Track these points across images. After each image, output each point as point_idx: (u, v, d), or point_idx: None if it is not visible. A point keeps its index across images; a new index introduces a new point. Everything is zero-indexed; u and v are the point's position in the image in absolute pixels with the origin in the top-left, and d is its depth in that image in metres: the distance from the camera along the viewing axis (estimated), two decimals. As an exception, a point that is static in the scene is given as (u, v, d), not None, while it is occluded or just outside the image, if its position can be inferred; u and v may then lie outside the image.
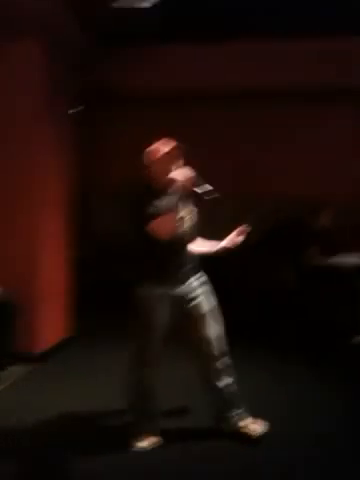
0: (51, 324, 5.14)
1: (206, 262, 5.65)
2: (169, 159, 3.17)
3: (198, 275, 3.39)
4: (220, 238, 3.43)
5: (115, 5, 4.61)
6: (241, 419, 3.39)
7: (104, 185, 7.07)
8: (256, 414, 3.47)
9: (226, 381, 3.37)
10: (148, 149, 3.23)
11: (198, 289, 3.35)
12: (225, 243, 3.38)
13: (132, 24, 5.23)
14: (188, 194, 3.18)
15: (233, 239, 3.37)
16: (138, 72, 6.18)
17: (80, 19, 5.01)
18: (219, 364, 3.36)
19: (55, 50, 4.91)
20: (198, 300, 3.33)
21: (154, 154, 3.20)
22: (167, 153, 3.18)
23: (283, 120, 6.62)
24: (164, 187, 3.15)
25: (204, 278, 3.42)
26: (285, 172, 6.60)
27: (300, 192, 6.33)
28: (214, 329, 3.35)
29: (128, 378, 3.36)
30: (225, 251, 3.37)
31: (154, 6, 4.74)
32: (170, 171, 3.13)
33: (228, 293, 5.87)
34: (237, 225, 3.41)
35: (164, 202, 3.04)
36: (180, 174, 3.10)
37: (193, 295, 3.32)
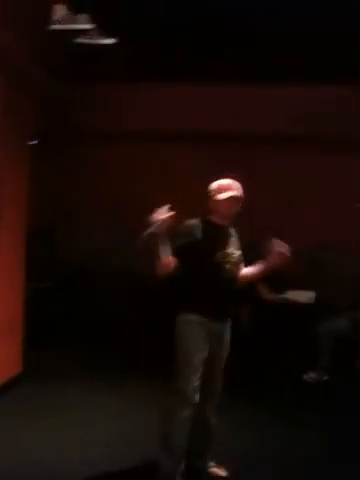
0: (3, 359, 5.02)
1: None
2: (233, 203, 3.30)
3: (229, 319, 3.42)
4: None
5: (77, 40, 4.62)
6: (212, 460, 3.46)
7: (71, 218, 7.04)
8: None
9: (215, 421, 3.44)
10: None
11: (228, 331, 3.38)
12: (266, 263, 3.41)
13: (95, 61, 5.26)
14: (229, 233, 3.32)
15: (274, 258, 3.39)
16: (98, 110, 6.24)
17: (41, 55, 5.03)
18: (216, 404, 3.42)
19: (14, 84, 4.90)
20: (226, 341, 3.37)
21: (225, 192, 3.28)
22: (236, 199, 3.29)
23: (238, 161, 6.72)
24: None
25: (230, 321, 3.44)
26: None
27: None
28: (218, 376, 3.39)
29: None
30: (268, 270, 3.43)
31: (118, 44, 4.77)
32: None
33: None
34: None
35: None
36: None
37: (225, 335, 3.35)
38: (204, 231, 3.19)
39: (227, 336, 3.37)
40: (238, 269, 3.36)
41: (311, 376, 5.52)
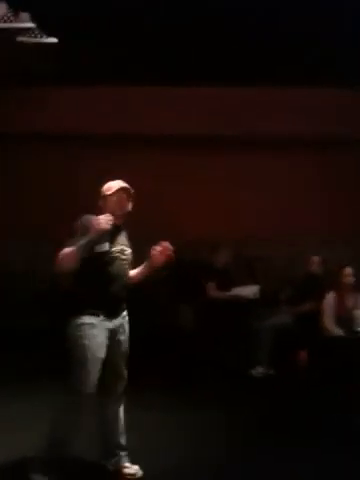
0: None
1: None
2: (121, 197, 3.29)
3: (125, 312, 3.41)
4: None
5: (19, 39, 4.55)
6: (124, 460, 3.39)
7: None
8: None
9: (123, 421, 3.41)
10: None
11: (126, 325, 3.37)
12: (148, 264, 3.41)
13: (29, 63, 5.19)
14: (121, 231, 3.32)
15: (156, 258, 3.36)
16: (28, 111, 6.17)
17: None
18: (122, 404, 3.41)
19: None
20: (125, 336, 3.35)
21: (110, 188, 3.31)
22: (122, 190, 3.29)
23: (179, 164, 6.78)
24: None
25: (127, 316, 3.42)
26: (184, 214, 6.77)
27: (198, 232, 6.53)
28: (125, 369, 3.37)
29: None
30: (152, 271, 3.42)
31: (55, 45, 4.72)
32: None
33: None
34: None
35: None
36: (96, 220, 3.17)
37: (121, 333, 3.32)
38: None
39: (124, 333, 3.35)
40: (129, 267, 3.39)
41: (259, 371, 5.63)
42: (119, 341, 3.32)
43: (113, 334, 3.27)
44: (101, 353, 3.18)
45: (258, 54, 5.18)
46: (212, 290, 6.05)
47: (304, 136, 6.57)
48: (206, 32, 4.66)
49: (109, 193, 3.28)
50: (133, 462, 3.39)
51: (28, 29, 4.22)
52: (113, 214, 3.19)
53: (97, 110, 6.43)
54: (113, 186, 3.29)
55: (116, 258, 3.26)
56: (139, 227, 6.44)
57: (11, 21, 4.12)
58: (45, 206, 6.63)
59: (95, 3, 4.36)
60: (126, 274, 3.35)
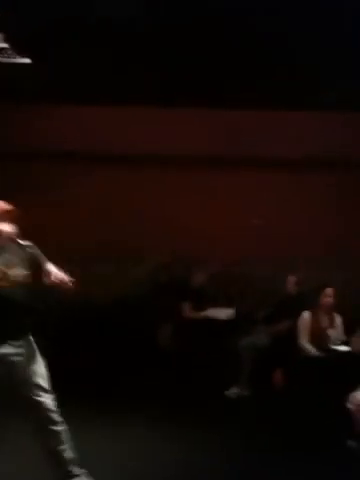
0: None
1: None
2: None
3: (25, 337, 3.22)
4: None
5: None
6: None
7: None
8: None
9: (63, 446, 3.25)
10: None
11: (23, 350, 3.18)
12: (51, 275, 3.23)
13: (7, 81, 5.22)
14: (16, 249, 3.16)
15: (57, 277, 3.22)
16: (22, 129, 6.20)
17: None
18: (55, 428, 3.23)
19: None
20: (22, 363, 3.17)
21: None
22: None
23: (165, 183, 6.82)
24: None
25: (30, 340, 3.26)
26: (160, 234, 6.76)
27: (178, 252, 6.54)
28: (40, 394, 3.20)
29: None
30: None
31: (39, 64, 4.75)
32: None
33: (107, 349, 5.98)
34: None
35: None
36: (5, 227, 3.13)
37: (16, 357, 3.15)
38: None
39: (22, 357, 3.17)
40: (21, 288, 3.15)
41: (233, 391, 5.59)
42: (15, 367, 3.15)
43: (6, 361, 3.12)
44: None
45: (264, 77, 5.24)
46: (187, 310, 6.05)
47: (309, 157, 6.65)
48: (200, 51, 4.65)
49: None
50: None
51: (1, 49, 4.26)
52: None
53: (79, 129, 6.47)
54: None
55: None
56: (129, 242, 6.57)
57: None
58: None
59: (71, 23, 4.38)
60: (15, 297, 3.12)
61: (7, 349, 3.13)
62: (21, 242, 3.14)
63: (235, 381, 5.61)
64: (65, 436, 3.25)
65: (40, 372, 3.22)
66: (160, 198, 6.77)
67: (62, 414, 3.23)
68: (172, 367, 5.75)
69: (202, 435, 4.48)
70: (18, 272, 3.15)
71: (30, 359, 3.20)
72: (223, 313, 6.06)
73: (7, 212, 3.17)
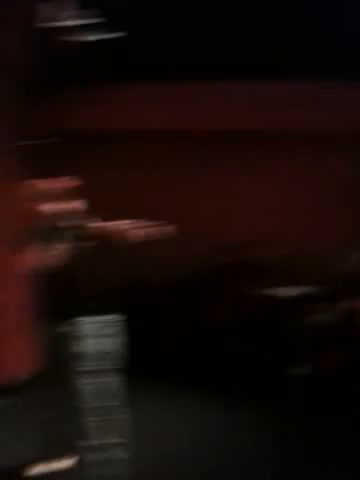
0: (21, 357, 4.98)
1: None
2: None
3: (91, 318, 3.11)
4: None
5: (67, 37, 4.61)
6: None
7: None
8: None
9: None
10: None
11: (88, 331, 3.09)
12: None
13: (83, 59, 5.26)
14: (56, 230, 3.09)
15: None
16: (90, 109, 6.19)
17: (31, 52, 5.02)
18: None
19: (4, 82, 4.90)
20: (84, 343, 3.08)
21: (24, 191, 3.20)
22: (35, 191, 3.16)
23: (223, 162, 6.82)
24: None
25: (104, 320, 3.14)
26: (225, 212, 6.80)
27: (239, 230, 6.56)
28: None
29: None
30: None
31: (102, 42, 4.78)
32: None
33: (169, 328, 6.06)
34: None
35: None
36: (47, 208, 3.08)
37: (76, 336, 3.07)
38: None
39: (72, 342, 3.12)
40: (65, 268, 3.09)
41: (296, 370, 5.66)
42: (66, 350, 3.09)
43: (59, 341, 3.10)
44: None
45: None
46: (248, 289, 6.10)
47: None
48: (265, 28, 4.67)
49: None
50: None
51: (93, 25, 4.29)
52: None
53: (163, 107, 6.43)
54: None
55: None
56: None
57: (77, 18, 4.21)
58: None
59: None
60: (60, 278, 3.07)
61: (66, 327, 3.06)
62: (66, 220, 3.07)
63: (298, 360, 5.70)
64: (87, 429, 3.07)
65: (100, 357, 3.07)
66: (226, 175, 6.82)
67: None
68: (234, 345, 5.83)
69: (265, 414, 4.54)
70: (64, 249, 3.07)
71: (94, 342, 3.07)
72: (285, 291, 6.10)
73: (65, 190, 3.14)
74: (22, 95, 5.26)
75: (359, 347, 5.45)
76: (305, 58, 5.44)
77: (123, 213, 3.16)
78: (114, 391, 3.06)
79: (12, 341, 4.88)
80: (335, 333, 5.70)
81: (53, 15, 4.52)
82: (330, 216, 6.76)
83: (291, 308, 6.06)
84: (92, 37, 4.38)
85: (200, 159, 6.75)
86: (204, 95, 6.36)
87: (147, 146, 6.57)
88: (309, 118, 6.36)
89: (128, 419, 3.09)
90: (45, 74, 5.24)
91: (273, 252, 6.38)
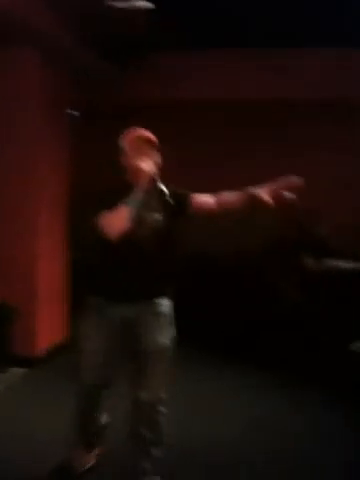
0: (49, 327, 5.14)
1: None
2: (142, 146, 2.69)
3: (160, 300, 2.76)
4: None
5: (111, 4, 4.49)
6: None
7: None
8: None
9: (148, 435, 2.86)
10: (126, 131, 2.76)
11: (153, 317, 2.74)
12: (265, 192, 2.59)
13: (130, 30, 5.17)
14: (153, 194, 2.64)
15: (278, 190, 2.58)
16: (138, 81, 6.12)
17: (77, 30, 5.01)
18: (147, 416, 2.83)
19: (52, 61, 4.95)
20: (150, 332, 2.73)
21: (128, 139, 2.74)
22: (141, 138, 2.70)
23: (273, 132, 6.59)
24: (131, 180, 2.65)
25: (166, 306, 2.79)
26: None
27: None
28: (154, 376, 2.77)
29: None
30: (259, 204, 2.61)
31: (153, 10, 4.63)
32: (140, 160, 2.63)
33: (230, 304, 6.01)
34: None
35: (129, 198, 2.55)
36: (149, 164, 2.60)
37: (144, 323, 2.72)
38: (113, 194, 2.64)
39: (146, 326, 2.70)
40: (159, 237, 2.67)
41: (358, 345, 5.41)
42: (135, 335, 2.73)
43: (128, 325, 2.71)
44: (96, 344, 2.75)
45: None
46: (309, 262, 5.87)
47: None
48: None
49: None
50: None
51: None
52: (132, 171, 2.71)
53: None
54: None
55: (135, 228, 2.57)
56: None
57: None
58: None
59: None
60: (152, 249, 2.66)
61: (138, 309, 2.71)
62: (160, 185, 2.63)
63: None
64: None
65: (159, 351, 2.74)
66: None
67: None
68: (296, 320, 5.67)
69: (326, 389, 4.48)
70: (156, 217, 2.69)
71: (157, 331, 2.74)
72: (347, 266, 5.80)
73: (149, 141, 2.71)
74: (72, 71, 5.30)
75: None
76: None
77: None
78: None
79: (44, 310, 5.00)
80: None
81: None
82: None
83: (355, 282, 5.76)
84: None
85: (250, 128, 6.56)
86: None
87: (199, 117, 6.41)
88: None
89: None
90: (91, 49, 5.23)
91: (336, 224, 6.08)
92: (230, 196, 2.74)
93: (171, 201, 2.60)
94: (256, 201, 2.59)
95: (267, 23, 5.08)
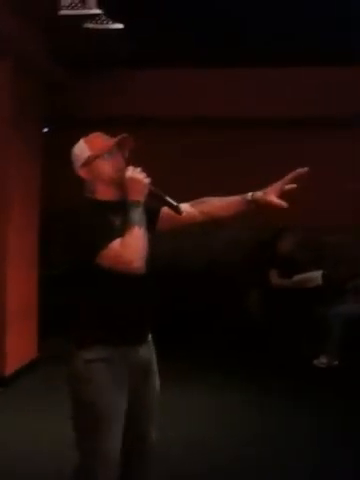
0: (19, 345, 5.10)
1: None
2: (119, 153, 2.27)
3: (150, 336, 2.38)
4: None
5: (86, 26, 4.56)
6: None
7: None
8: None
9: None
10: (85, 139, 2.31)
11: (153, 353, 2.38)
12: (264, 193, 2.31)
13: (101, 47, 5.21)
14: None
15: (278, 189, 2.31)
16: (104, 96, 6.16)
17: (48, 42, 5.01)
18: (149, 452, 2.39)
19: (21, 70, 4.92)
20: (154, 370, 2.36)
21: (97, 144, 2.26)
22: (117, 143, 2.24)
23: (245, 148, 6.57)
24: (118, 195, 2.22)
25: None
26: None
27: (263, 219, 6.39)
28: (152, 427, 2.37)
29: None
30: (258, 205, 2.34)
31: (125, 30, 4.70)
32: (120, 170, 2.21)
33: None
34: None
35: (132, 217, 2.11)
36: (140, 174, 2.17)
37: (151, 361, 2.35)
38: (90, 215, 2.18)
39: (153, 360, 2.35)
40: (149, 259, 2.16)
41: (322, 361, 5.53)
42: (148, 383, 2.31)
43: (137, 373, 2.25)
44: (122, 407, 2.19)
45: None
46: (274, 277, 5.97)
47: None
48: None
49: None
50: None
51: (95, 15, 4.23)
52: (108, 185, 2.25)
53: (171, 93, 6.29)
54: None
55: None
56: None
57: (79, 8, 4.15)
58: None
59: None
60: (148, 274, 2.17)
61: (146, 350, 2.32)
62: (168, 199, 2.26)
63: (324, 350, 5.55)
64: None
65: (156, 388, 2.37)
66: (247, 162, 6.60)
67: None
68: (260, 334, 5.75)
69: (292, 404, 4.51)
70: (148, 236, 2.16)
71: (155, 370, 2.38)
72: (311, 277, 5.91)
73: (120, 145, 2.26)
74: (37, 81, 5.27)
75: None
76: None
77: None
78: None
79: (13, 328, 4.97)
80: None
81: (68, 1, 4.44)
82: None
83: (318, 297, 5.89)
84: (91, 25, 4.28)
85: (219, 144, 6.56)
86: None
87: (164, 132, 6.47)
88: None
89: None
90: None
91: (300, 238, 6.20)
92: (218, 203, 2.40)
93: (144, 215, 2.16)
94: (261, 206, 2.32)
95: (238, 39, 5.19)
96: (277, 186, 2.30)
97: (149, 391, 2.31)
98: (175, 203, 2.25)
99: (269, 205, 2.29)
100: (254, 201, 2.31)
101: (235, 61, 5.73)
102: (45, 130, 5.82)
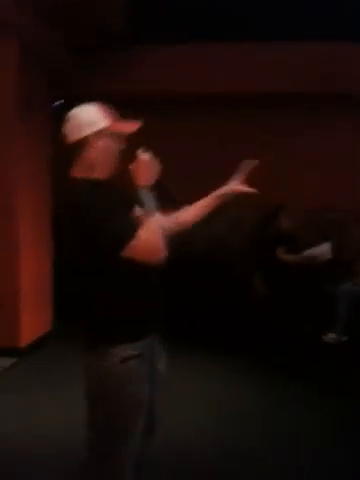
0: (33, 319, 5.24)
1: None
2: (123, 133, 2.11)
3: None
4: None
5: None
6: None
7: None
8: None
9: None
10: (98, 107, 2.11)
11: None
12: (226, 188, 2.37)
13: (105, 26, 5.17)
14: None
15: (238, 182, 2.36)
16: (110, 75, 6.06)
17: (52, 24, 4.98)
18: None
19: (28, 54, 4.92)
20: (163, 362, 2.30)
21: (116, 120, 2.10)
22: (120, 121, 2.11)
23: (246, 125, 6.60)
24: (129, 179, 2.06)
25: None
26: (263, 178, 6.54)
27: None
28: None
29: None
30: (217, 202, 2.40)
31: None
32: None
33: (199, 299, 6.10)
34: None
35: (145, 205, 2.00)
36: (151, 159, 2.06)
37: (162, 352, 2.30)
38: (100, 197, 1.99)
39: (163, 357, 2.29)
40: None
41: (330, 337, 5.57)
42: (156, 367, 2.24)
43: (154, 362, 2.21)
44: (142, 396, 2.11)
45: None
46: (282, 254, 5.94)
47: None
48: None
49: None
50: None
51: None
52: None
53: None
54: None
55: None
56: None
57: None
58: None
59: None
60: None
61: (158, 344, 2.26)
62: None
63: (333, 327, 5.59)
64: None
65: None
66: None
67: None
68: (268, 311, 5.76)
69: (299, 380, 4.55)
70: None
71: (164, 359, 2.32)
72: (320, 250, 5.85)
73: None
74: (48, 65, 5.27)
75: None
76: None
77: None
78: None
79: (27, 302, 5.09)
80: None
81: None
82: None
83: (327, 274, 5.88)
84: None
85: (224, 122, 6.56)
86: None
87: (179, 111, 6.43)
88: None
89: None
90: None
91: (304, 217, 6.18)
92: (187, 213, 2.38)
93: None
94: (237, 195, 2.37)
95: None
96: (238, 178, 2.37)
97: (157, 374, 2.23)
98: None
99: (241, 194, 2.36)
100: (225, 195, 2.37)
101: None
102: (56, 103, 5.79)
